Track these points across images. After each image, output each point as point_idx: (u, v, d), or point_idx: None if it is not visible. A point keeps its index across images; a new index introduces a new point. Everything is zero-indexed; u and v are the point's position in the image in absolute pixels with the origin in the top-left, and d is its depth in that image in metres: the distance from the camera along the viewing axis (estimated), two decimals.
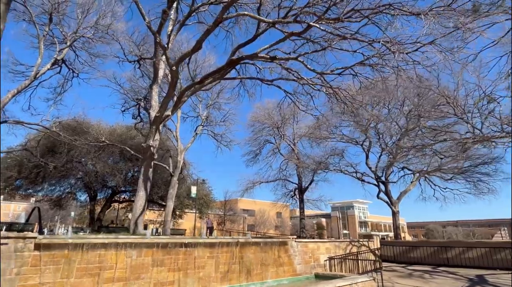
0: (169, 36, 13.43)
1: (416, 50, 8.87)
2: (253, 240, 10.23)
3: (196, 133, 23.65)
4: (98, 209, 32.62)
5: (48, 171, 23.02)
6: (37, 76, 17.80)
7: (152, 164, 13.73)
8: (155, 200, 34.28)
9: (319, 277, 11.40)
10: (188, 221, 44.04)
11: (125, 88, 21.05)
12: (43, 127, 19.59)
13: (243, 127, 40.51)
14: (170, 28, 14.22)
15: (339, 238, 41.64)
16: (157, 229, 29.17)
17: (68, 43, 19.42)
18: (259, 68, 14.09)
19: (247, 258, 9.78)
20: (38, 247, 6.26)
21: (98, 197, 32.55)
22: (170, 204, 21.16)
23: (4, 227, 14.30)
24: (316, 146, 29.05)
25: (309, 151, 31.13)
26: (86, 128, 23.83)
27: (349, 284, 8.82)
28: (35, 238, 6.27)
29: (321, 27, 8.78)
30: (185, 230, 26.26)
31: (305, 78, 11.92)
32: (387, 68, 9.62)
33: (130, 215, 44.93)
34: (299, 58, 10.62)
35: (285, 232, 57.07)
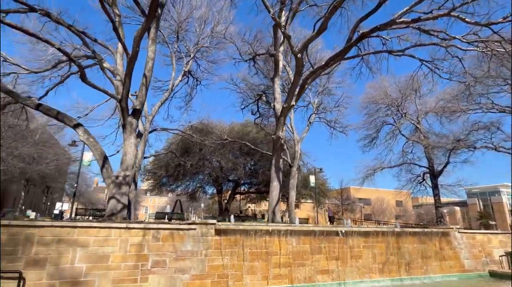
0: (284, 26, 13.40)
1: None
2: (410, 229, 9.17)
3: (310, 122, 23.32)
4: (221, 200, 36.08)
5: (186, 169, 26.91)
6: (173, 88, 20.72)
7: (281, 155, 14.04)
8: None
9: (496, 275, 9.42)
10: (302, 211, 44.62)
11: (241, 87, 22.50)
12: (180, 131, 22.90)
13: (354, 110, 38.01)
14: (283, 18, 14.20)
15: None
16: (282, 218, 30.36)
17: (192, 55, 21.85)
18: (384, 39, 12.59)
19: (404, 249, 8.82)
20: (218, 232, 7.03)
21: (223, 190, 36.19)
22: (293, 194, 21.56)
23: (166, 216, 17.36)
24: (448, 122, 24.71)
25: (437, 129, 26.81)
26: (210, 129, 26.69)
27: None
28: (214, 224, 7.05)
29: None
30: (308, 219, 26.47)
31: (457, 37, 9.86)
32: None
33: (250, 205, 48.64)
34: (452, 13, 8.74)
35: (408, 222, 51.46)
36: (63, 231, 5.91)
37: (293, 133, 22.46)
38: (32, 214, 24.23)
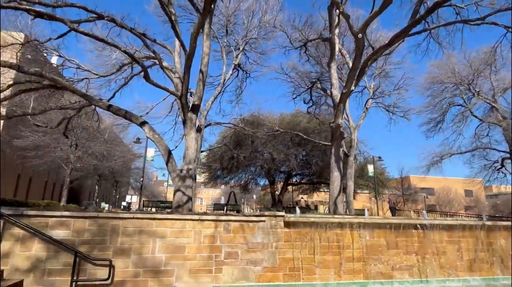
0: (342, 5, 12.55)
1: None
2: (504, 223, 8.01)
3: (366, 108, 21.94)
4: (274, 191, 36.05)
5: (240, 161, 27.42)
6: (225, 82, 20.98)
7: (341, 144, 13.39)
8: (324, 181, 35.10)
9: None
10: (358, 201, 42.72)
11: (291, 77, 21.98)
12: (233, 124, 23.29)
13: (415, 92, 34.77)
14: None
15: None
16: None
17: (241, 48, 21.83)
18: (458, 8, 11.08)
19: (497, 246, 7.74)
20: (287, 224, 6.85)
21: (275, 181, 36.20)
22: (351, 184, 20.62)
23: (225, 207, 17.94)
24: None
25: None
26: (261, 121, 26.73)
27: None
28: (283, 216, 6.89)
29: None
30: (368, 210, 25.14)
31: None
32: None
33: (303, 196, 48.17)
34: None
35: (481, 213, 46.25)
36: (143, 222, 6.25)
37: (348, 121, 21.37)
38: (105, 206, 26.97)
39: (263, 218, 6.74)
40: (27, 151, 23.79)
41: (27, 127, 22.92)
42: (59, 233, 5.90)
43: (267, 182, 38.02)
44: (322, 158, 30.53)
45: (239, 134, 26.10)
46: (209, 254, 6.35)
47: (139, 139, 22.28)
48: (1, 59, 9.86)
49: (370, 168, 23.75)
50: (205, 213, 7.84)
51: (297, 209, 8.49)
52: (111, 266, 5.84)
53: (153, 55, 12.85)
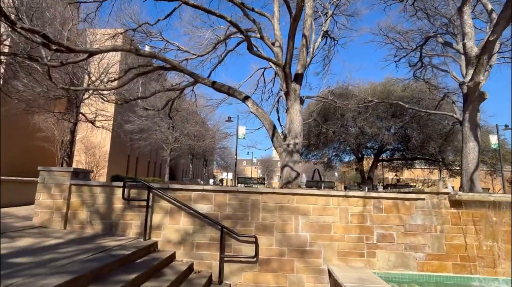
0: None
1: None
2: None
3: (490, 66, 17.80)
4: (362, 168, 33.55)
5: (328, 136, 25.95)
6: (314, 51, 19.45)
7: (478, 107, 10.95)
8: (422, 157, 31.13)
9: None
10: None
11: (390, 37, 19.06)
12: (324, 98, 21.78)
13: None
14: None
15: None
16: (453, 188, 25.81)
17: (330, 13, 19.76)
18: None
19: None
20: (454, 204, 5.53)
21: (363, 157, 33.64)
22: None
23: (322, 184, 17.11)
24: None
25: None
26: (351, 92, 24.50)
27: None
28: (448, 193, 5.58)
29: None
30: (488, 189, 21.30)
31: None
32: None
33: (396, 174, 44.24)
34: None
35: None
36: (283, 198, 5.73)
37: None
38: (201, 183, 28.92)
39: (422, 196, 5.55)
40: (134, 134, 26.73)
41: (133, 112, 25.58)
42: (202, 207, 5.78)
43: (353, 159, 35.72)
44: (422, 130, 26.90)
45: (327, 108, 24.51)
46: (358, 236, 5.52)
47: (230, 117, 22.71)
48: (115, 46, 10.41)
49: (493, 139, 19.63)
50: (349, 190, 7.04)
51: (450, 186, 6.97)
52: (256, 243, 5.50)
53: (252, 24, 12.25)
